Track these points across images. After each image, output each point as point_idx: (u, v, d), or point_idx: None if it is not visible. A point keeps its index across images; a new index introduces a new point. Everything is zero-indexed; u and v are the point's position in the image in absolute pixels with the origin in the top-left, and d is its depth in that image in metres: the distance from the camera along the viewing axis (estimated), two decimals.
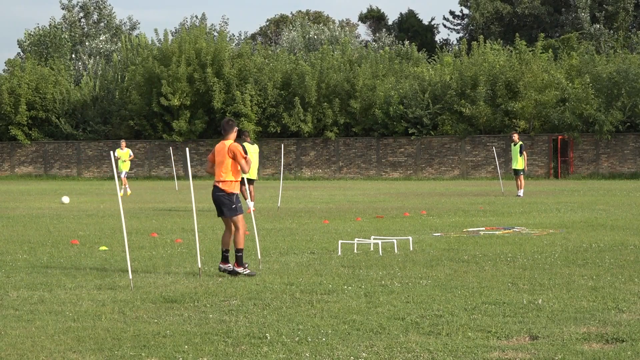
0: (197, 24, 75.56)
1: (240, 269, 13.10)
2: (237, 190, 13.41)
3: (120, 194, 30.98)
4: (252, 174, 26.27)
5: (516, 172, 34.52)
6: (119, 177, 36.66)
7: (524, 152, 34.67)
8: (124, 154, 38.38)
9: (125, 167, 38.87)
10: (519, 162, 34.43)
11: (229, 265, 13.20)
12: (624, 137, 57.98)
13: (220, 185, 13.38)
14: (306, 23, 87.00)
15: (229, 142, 13.39)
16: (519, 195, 33.46)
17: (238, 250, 13.20)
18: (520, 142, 35.08)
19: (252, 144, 26.97)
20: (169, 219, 24.26)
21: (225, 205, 13.28)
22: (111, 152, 12.58)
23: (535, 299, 10.69)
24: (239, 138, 25.30)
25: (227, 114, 63.91)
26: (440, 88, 61.45)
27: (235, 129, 13.55)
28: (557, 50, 68.59)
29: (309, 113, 63.10)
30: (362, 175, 62.50)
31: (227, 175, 13.33)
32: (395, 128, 61.56)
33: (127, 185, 39.22)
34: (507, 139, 59.93)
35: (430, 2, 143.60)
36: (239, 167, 13.31)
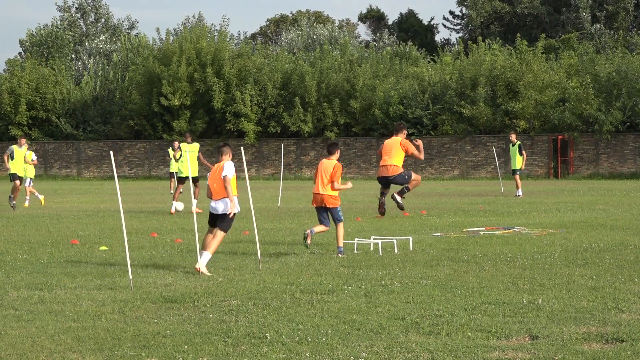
0: (195, 24, 75.56)
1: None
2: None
3: (25, 204, 30.76)
4: (194, 171, 26.87)
5: (514, 172, 34.54)
6: (19, 183, 29.12)
7: (524, 152, 34.69)
8: (19, 154, 29.96)
9: (29, 173, 31.76)
10: (518, 162, 34.46)
11: None
12: (624, 137, 57.98)
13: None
14: (311, 23, 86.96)
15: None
16: (519, 195, 33.45)
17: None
18: (519, 142, 35.10)
19: (191, 143, 27.34)
20: (169, 219, 24.26)
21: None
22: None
23: (535, 299, 10.69)
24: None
25: (227, 114, 63.95)
26: (440, 88, 61.46)
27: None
28: (557, 50, 68.59)
29: (309, 113, 63.11)
30: (362, 175, 62.50)
31: None
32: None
33: (30, 196, 32.13)
34: (507, 139, 59.97)
35: (430, 2, 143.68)
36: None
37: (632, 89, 57.36)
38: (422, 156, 21.08)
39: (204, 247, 13.91)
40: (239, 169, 65.03)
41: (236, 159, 64.77)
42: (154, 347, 8.52)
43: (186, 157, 26.85)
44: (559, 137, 58.64)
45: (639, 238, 17.77)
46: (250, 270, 13.60)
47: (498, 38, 72.88)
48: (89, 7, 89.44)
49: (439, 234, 19.27)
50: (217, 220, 14.36)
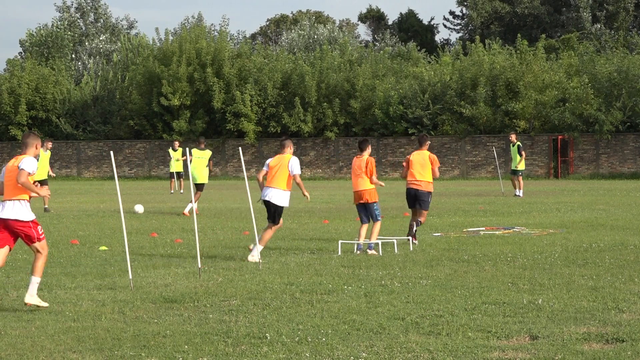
0: (195, 23, 75.56)
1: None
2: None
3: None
4: (202, 178, 26.28)
5: (514, 172, 34.46)
6: None
7: (523, 152, 34.56)
8: (44, 158, 28.32)
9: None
10: (518, 163, 34.37)
11: None
12: (624, 137, 57.97)
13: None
14: (312, 23, 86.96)
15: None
16: (518, 195, 33.42)
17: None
18: (518, 142, 35.01)
19: (203, 149, 27.07)
20: (169, 219, 24.25)
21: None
22: None
23: (535, 299, 10.69)
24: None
25: (227, 114, 63.93)
26: (440, 88, 61.45)
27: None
28: (557, 50, 68.59)
29: (309, 113, 63.10)
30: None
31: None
32: (395, 128, 61.55)
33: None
34: (507, 139, 59.97)
35: (430, 2, 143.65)
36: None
37: (632, 89, 57.36)
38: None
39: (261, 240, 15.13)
40: (238, 169, 65.08)
41: (236, 159, 64.82)
42: (154, 347, 8.52)
43: (198, 163, 26.44)
44: (559, 137, 58.64)
45: (639, 238, 17.77)
46: (250, 270, 13.60)
47: (498, 38, 72.86)
48: (88, 7, 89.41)
49: (439, 234, 19.27)
50: (274, 214, 15.48)
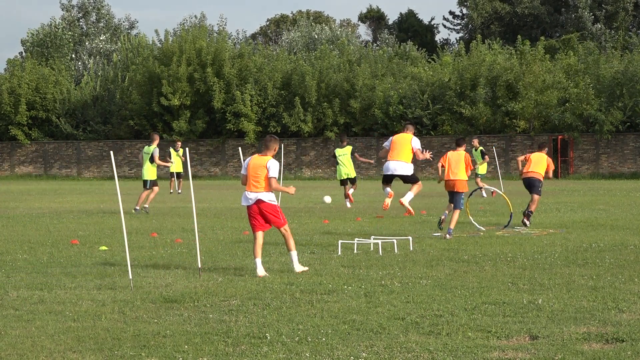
0: (196, 23, 75.56)
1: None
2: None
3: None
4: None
5: (477, 176, 34.62)
6: None
7: (486, 156, 35.15)
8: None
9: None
10: (482, 167, 34.78)
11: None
12: (624, 137, 57.99)
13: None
14: (309, 23, 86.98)
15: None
16: (484, 196, 34.01)
17: None
18: (481, 147, 35.46)
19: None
20: (169, 219, 24.25)
21: None
22: None
23: (535, 299, 10.69)
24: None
25: (228, 114, 63.94)
26: (439, 88, 61.46)
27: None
28: (557, 51, 68.58)
29: (309, 113, 63.11)
30: (362, 175, 62.49)
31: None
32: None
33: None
34: (507, 139, 59.93)
35: (430, 2, 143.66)
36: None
37: (633, 88, 57.37)
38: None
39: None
40: (238, 169, 65.02)
41: (236, 159, 64.82)
42: (154, 347, 8.52)
43: (143, 159, 26.95)
44: (559, 137, 58.65)
45: (639, 238, 17.77)
46: (250, 270, 13.59)
47: (499, 39, 72.88)
48: (91, 7, 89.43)
49: (439, 234, 19.27)
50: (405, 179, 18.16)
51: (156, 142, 27.45)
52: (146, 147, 27.70)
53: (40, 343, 8.73)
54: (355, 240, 16.52)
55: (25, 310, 10.50)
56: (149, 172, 27.40)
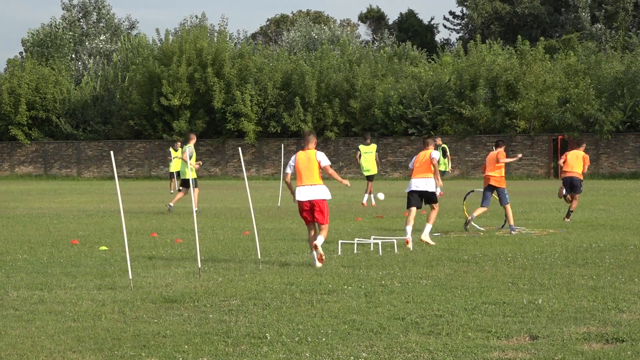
0: (197, 23, 75.57)
1: None
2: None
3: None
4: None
5: (442, 173, 34.51)
6: None
7: (448, 155, 35.21)
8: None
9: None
10: (443, 164, 34.72)
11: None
12: (624, 137, 57.98)
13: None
14: (307, 23, 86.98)
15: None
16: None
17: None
18: (444, 145, 35.27)
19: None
20: (169, 219, 24.26)
21: None
22: None
23: (535, 299, 10.70)
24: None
25: (228, 114, 63.94)
26: (439, 89, 61.45)
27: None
28: (557, 51, 68.57)
29: (309, 113, 63.11)
30: (362, 175, 62.47)
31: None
32: (395, 128, 61.56)
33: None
34: (507, 139, 59.91)
35: (430, 2, 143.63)
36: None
37: (633, 89, 57.37)
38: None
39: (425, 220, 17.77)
40: (238, 169, 65.05)
41: (236, 159, 64.82)
42: (154, 347, 8.52)
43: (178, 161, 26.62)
44: (559, 137, 58.63)
45: (639, 238, 17.77)
46: (250, 270, 13.60)
47: (500, 39, 72.86)
48: (92, 7, 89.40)
49: (439, 234, 19.27)
50: (426, 198, 17.34)
51: (193, 141, 27.17)
52: (184, 146, 26.98)
53: (40, 343, 8.73)
54: (355, 240, 16.52)
55: (25, 310, 10.50)
56: (191, 170, 26.83)
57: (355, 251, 16.02)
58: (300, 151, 15.11)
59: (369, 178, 30.66)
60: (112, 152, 12.52)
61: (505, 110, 59.37)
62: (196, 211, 26.10)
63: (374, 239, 16.78)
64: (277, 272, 13.43)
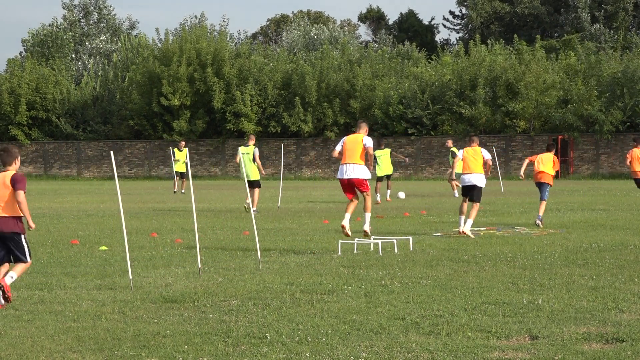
0: (197, 23, 75.58)
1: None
2: None
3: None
4: (254, 174, 26.28)
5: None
6: None
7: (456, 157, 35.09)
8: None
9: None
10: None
11: None
12: (624, 137, 57.99)
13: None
14: (306, 23, 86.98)
15: None
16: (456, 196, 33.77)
17: None
18: (453, 148, 35.18)
19: (247, 146, 26.97)
20: (169, 219, 24.25)
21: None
22: None
23: (535, 299, 10.69)
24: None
25: (228, 114, 63.94)
26: (439, 89, 61.46)
27: None
28: (557, 51, 68.60)
29: (309, 113, 63.11)
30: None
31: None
32: (395, 128, 61.58)
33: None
34: (507, 139, 59.93)
35: (430, 2, 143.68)
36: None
37: (633, 89, 57.38)
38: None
39: (466, 215, 18.49)
40: (238, 169, 65.14)
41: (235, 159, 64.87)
42: (154, 347, 8.52)
43: (243, 160, 26.09)
44: (559, 137, 58.65)
45: (639, 238, 17.77)
46: (250, 270, 13.59)
47: (500, 39, 72.88)
48: (92, 7, 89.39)
49: (439, 234, 19.27)
50: (472, 193, 18.87)
51: (252, 141, 27.02)
52: (242, 147, 26.48)
53: (40, 343, 8.73)
54: (355, 240, 16.51)
55: (25, 310, 10.49)
56: (254, 172, 26.52)
57: (355, 251, 16.01)
58: (351, 134, 17.29)
59: (388, 177, 33.11)
60: (112, 152, 12.51)
61: (506, 110, 59.39)
62: (254, 211, 26.04)
63: (374, 239, 16.77)
64: (277, 272, 13.42)
